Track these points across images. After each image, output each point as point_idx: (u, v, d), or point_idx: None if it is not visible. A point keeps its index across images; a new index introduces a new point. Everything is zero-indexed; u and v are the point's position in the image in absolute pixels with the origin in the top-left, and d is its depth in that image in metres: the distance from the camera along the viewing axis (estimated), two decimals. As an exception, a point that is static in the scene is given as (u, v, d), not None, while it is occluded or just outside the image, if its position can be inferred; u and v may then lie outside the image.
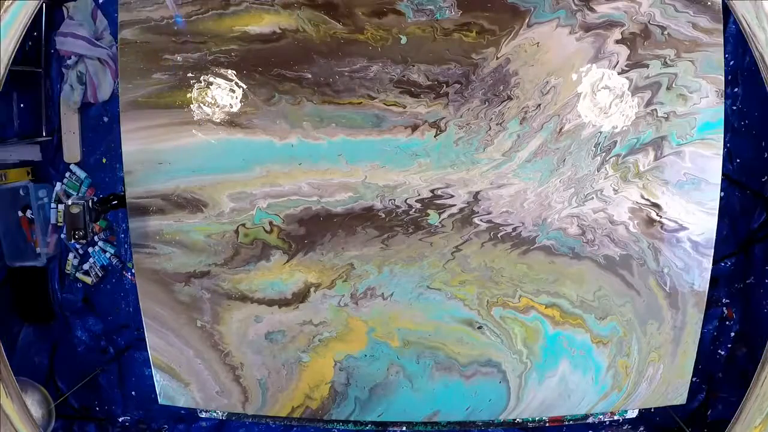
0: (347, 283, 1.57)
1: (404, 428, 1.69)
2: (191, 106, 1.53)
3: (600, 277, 1.56)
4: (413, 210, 1.54)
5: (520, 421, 1.67)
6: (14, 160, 2.52)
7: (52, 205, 2.56)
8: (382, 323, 1.59)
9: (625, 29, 1.48)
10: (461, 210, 1.54)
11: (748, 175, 2.25)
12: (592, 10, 1.47)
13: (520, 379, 1.61)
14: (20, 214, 2.56)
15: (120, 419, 2.65)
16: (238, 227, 1.56)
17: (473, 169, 1.52)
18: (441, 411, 1.64)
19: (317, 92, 1.50)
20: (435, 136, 1.51)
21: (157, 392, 1.67)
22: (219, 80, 1.52)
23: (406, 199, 1.54)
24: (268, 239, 1.56)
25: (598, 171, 1.52)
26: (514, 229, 1.54)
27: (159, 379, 1.66)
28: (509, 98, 1.50)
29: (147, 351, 1.64)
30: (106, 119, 2.54)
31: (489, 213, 1.54)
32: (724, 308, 2.35)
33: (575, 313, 1.58)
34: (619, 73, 1.49)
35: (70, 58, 2.42)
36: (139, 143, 1.54)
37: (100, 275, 2.59)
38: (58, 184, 2.58)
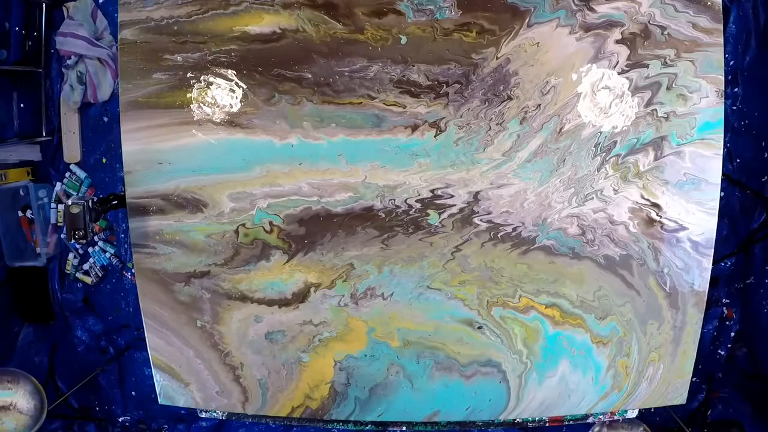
0: (347, 283, 1.57)
1: (404, 428, 1.69)
2: (191, 106, 1.53)
3: (600, 277, 1.56)
4: (413, 210, 1.54)
5: (520, 421, 1.67)
6: (14, 160, 2.52)
7: (52, 205, 2.56)
8: (382, 323, 1.59)
9: (625, 29, 1.48)
10: (461, 210, 1.54)
11: (748, 175, 2.25)
12: (592, 10, 1.47)
13: (520, 379, 1.61)
14: (20, 214, 2.56)
15: (120, 419, 2.65)
16: (238, 227, 1.56)
17: (473, 169, 1.52)
18: (441, 411, 1.64)
19: (317, 92, 1.50)
20: (435, 136, 1.51)
21: (157, 392, 1.67)
22: (219, 80, 1.52)
23: (406, 199, 1.54)
24: (268, 239, 1.56)
25: (598, 171, 1.52)
26: (514, 229, 1.54)
27: (159, 379, 1.66)
28: (509, 98, 1.50)
29: (147, 351, 1.64)
30: (106, 119, 2.54)
31: (489, 213, 1.54)
32: (724, 308, 2.35)
33: (575, 313, 1.58)
34: (619, 73, 1.49)
35: (70, 58, 2.42)
36: (139, 143, 1.54)
37: (100, 275, 2.59)
38: (58, 184, 2.58)
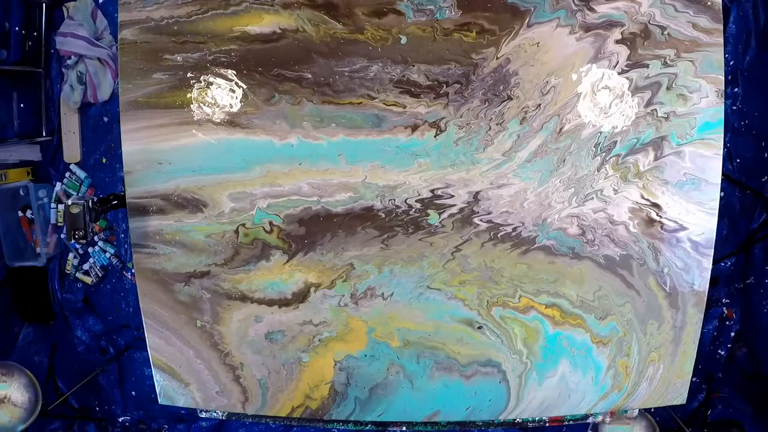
0: (347, 283, 1.57)
1: (404, 428, 1.69)
2: (191, 106, 1.53)
3: (600, 277, 1.56)
4: (413, 210, 1.54)
5: (520, 421, 1.67)
6: (14, 160, 2.53)
7: (52, 205, 2.56)
8: (382, 323, 1.59)
9: (625, 29, 1.48)
10: (461, 210, 1.54)
11: (748, 175, 2.25)
12: (592, 10, 1.47)
13: (520, 379, 1.61)
14: (20, 214, 2.57)
15: (120, 419, 2.66)
16: (238, 227, 1.56)
17: (473, 169, 1.52)
18: (441, 411, 1.64)
19: (317, 92, 1.50)
20: (435, 136, 1.51)
21: (157, 392, 1.67)
22: (219, 80, 1.52)
23: (406, 199, 1.54)
24: (268, 239, 1.56)
25: (598, 171, 1.52)
26: (514, 229, 1.54)
27: (159, 379, 1.66)
28: (509, 98, 1.50)
29: (147, 351, 1.64)
30: (106, 119, 2.54)
31: (489, 213, 1.54)
32: (724, 308, 2.35)
33: (575, 313, 1.58)
34: (619, 73, 1.49)
35: (70, 58, 2.42)
36: (139, 143, 1.54)
37: (100, 275, 2.59)
38: (58, 184, 2.59)
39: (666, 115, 1.50)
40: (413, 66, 1.49)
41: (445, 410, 1.64)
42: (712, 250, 1.55)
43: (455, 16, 1.47)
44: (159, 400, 1.68)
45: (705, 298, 1.58)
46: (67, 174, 2.57)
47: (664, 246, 1.55)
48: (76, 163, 2.56)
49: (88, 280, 2.59)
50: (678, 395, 1.65)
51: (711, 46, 1.48)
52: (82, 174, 2.55)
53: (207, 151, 1.53)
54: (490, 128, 1.51)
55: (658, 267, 1.56)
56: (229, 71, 1.51)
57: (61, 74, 2.49)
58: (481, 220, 1.54)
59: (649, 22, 1.47)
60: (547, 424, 1.69)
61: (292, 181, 1.53)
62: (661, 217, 1.54)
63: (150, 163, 1.54)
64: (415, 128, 1.51)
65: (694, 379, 2.23)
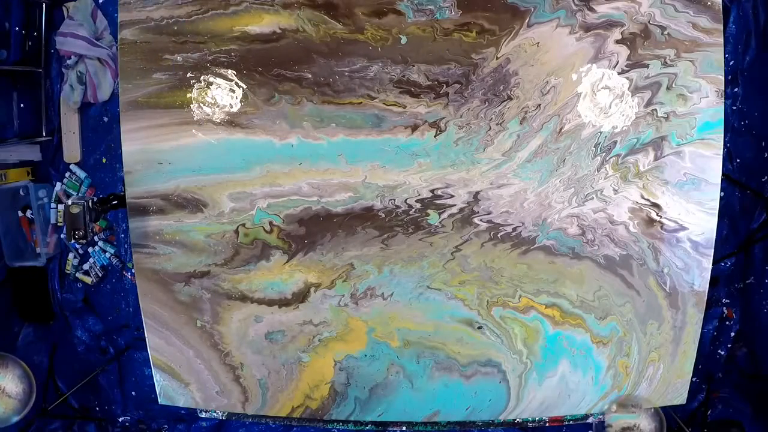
0: (347, 283, 1.57)
1: (404, 428, 1.69)
2: (191, 106, 1.53)
3: (600, 277, 1.56)
4: (413, 210, 1.54)
5: (520, 421, 1.67)
6: (14, 160, 2.53)
7: (52, 205, 2.56)
8: (382, 323, 1.59)
9: (625, 29, 1.48)
10: (461, 210, 1.54)
11: (748, 175, 2.25)
12: (592, 10, 1.47)
13: (520, 379, 1.61)
14: (20, 214, 2.56)
15: (120, 419, 2.65)
16: (238, 227, 1.56)
17: (473, 169, 1.52)
18: (441, 411, 1.64)
19: (317, 92, 1.50)
20: (435, 136, 1.51)
21: (157, 392, 1.67)
22: (219, 80, 1.52)
23: (406, 199, 1.54)
24: (268, 239, 1.56)
25: (598, 171, 1.52)
26: (514, 229, 1.54)
27: (159, 379, 1.66)
28: (509, 98, 1.50)
29: (147, 351, 1.64)
30: (106, 119, 2.54)
31: (489, 213, 1.54)
32: (724, 308, 2.35)
33: (575, 313, 1.58)
34: (619, 73, 1.49)
35: (70, 58, 2.42)
36: (139, 143, 1.54)
37: (100, 275, 2.59)
38: (58, 184, 2.58)
39: (666, 115, 1.50)
40: (413, 66, 1.49)
41: (445, 410, 1.64)
42: (712, 250, 1.55)
43: (455, 16, 1.47)
44: (159, 400, 1.68)
45: (705, 298, 1.58)
46: (67, 174, 2.57)
47: (664, 246, 1.55)
48: (76, 163, 2.56)
49: (88, 280, 2.59)
50: (678, 395, 1.65)
51: (711, 46, 1.48)
52: (82, 174, 2.55)
53: (207, 151, 1.53)
54: (490, 128, 1.51)
55: (658, 267, 1.56)
56: (229, 71, 1.51)
57: (61, 74, 2.49)
58: (481, 220, 1.54)
59: (649, 22, 1.47)
60: (547, 424, 1.69)
61: (292, 181, 1.53)
62: (661, 217, 1.54)
63: (150, 163, 1.54)
64: (415, 128, 1.51)
65: (694, 379, 2.23)
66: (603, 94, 1.50)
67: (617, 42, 1.48)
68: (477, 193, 1.53)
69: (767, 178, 2.23)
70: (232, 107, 1.52)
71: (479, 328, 1.59)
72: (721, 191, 1.57)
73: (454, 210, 1.54)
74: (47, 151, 2.60)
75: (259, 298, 1.59)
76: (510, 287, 1.56)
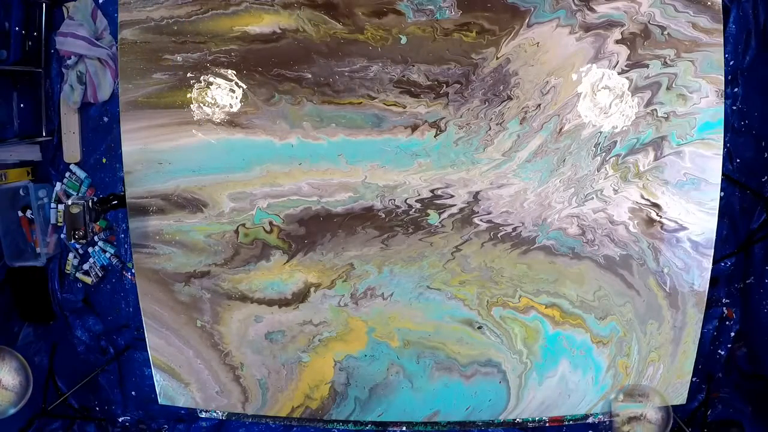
0: (347, 283, 1.57)
1: (404, 428, 1.69)
2: (191, 106, 1.53)
3: (600, 277, 1.56)
4: (413, 210, 1.54)
5: (520, 421, 1.67)
6: (14, 160, 2.53)
7: (52, 205, 2.56)
8: (382, 323, 1.59)
9: (625, 29, 1.48)
10: (461, 210, 1.54)
11: (748, 175, 2.25)
12: (592, 10, 1.47)
13: (520, 379, 1.61)
14: (20, 214, 2.56)
15: (120, 419, 2.65)
16: (238, 227, 1.56)
17: (473, 169, 1.52)
18: (441, 411, 1.64)
19: (317, 92, 1.50)
20: (435, 136, 1.51)
21: (157, 392, 1.67)
22: (219, 80, 1.52)
23: (406, 199, 1.54)
24: (268, 239, 1.56)
25: (598, 171, 1.52)
26: (514, 229, 1.54)
27: (159, 379, 1.66)
28: (509, 98, 1.50)
29: (147, 351, 1.64)
30: (106, 119, 2.54)
31: (489, 213, 1.54)
32: (724, 308, 2.35)
33: (575, 313, 1.58)
34: (619, 73, 1.49)
35: (70, 58, 2.42)
36: (139, 143, 1.54)
37: (100, 275, 2.59)
38: (58, 184, 2.58)
39: (666, 115, 1.50)
40: (413, 66, 1.49)
41: (445, 410, 1.64)
42: (712, 250, 1.55)
43: (455, 16, 1.47)
44: (159, 400, 1.68)
45: (705, 298, 1.58)
46: (67, 174, 2.57)
47: (664, 246, 1.55)
48: (76, 163, 2.56)
49: (88, 280, 2.59)
50: (678, 395, 1.65)
51: (711, 46, 1.48)
52: (82, 174, 2.55)
53: (207, 151, 1.53)
54: (490, 128, 1.51)
55: (658, 267, 1.56)
56: (229, 71, 1.51)
57: (61, 74, 2.49)
58: (481, 220, 1.54)
59: (649, 22, 1.47)
60: (547, 424, 1.69)
61: (292, 181, 1.53)
62: (661, 217, 1.54)
63: (150, 163, 1.54)
64: (415, 128, 1.51)
65: (694, 379, 2.23)
66: (603, 94, 1.50)
67: (617, 42, 1.48)
68: (477, 193, 1.53)
69: (767, 178, 2.23)
70: (232, 107, 1.52)
71: (479, 328, 1.58)
72: (721, 191, 1.57)
73: (454, 210, 1.54)
74: (47, 151, 2.60)
75: (259, 298, 1.59)
76: (510, 287, 1.56)
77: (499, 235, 1.54)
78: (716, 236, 1.55)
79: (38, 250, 2.57)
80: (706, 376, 2.35)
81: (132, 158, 1.55)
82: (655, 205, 1.53)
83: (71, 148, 2.56)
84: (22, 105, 2.51)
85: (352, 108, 1.50)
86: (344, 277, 1.57)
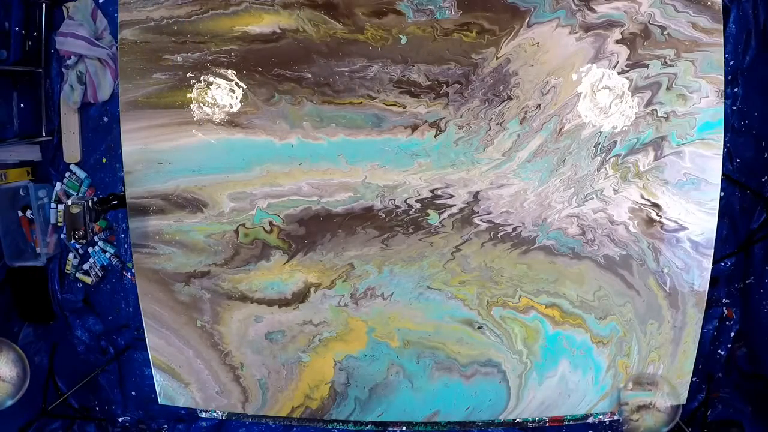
0: (347, 283, 1.57)
1: (404, 428, 1.69)
2: (191, 106, 1.53)
3: (600, 277, 1.56)
4: (413, 210, 1.54)
5: (520, 421, 1.67)
6: (14, 160, 2.53)
7: (52, 205, 2.56)
8: (382, 323, 1.59)
9: (625, 29, 1.48)
10: (461, 210, 1.54)
11: (748, 175, 2.25)
12: (592, 10, 1.47)
13: (520, 379, 1.61)
14: (20, 214, 2.56)
15: (120, 419, 2.66)
16: (238, 227, 1.56)
17: (473, 169, 1.52)
18: (441, 411, 1.64)
19: (317, 92, 1.50)
20: (435, 136, 1.51)
21: (157, 392, 1.67)
22: (219, 80, 1.52)
23: (406, 199, 1.54)
24: (268, 239, 1.56)
25: (598, 171, 1.52)
26: (514, 229, 1.54)
27: (159, 379, 1.66)
28: (509, 98, 1.50)
29: (147, 351, 1.64)
30: (106, 119, 2.54)
31: (489, 213, 1.54)
32: (724, 308, 2.35)
33: (575, 313, 1.58)
34: (619, 73, 1.49)
35: (70, 58, 2.42)
36: (139, 143, 1.54)
37: (100, 275, 2.59)
38: (58, 184, 2.58)
39: (666, 115, 1.50)
40: (413, 66, 1.49)
41: (445, 410, 1.64)
42: (712, 250, 1.55)
43: (455, 16, 1.47)
44: (159, 400, 1.68)
45: (705, 298, 1.58)
46: (67, 174, 2.57)
47: (664, 246, 1.55)
48: (76, 163, 2.56)
49: (88, 280, 2.59)
50: (678, 395, 1.65)
51: (711, 46, 1.48)
52: (82, 174, 2.55)
53: (207, 151, 1.53)
54: (490, 128, 1.51)
55: (658, 267, 1.56)
56: (229, 71, 1.51)
57: (61, 74, 2.49)
58: (481, 220, 1.54)
59: (649, 22, 1.47)
60: (547, 424, 1.69)
61: (292, 181, 1.53)
62: (661, 217, 1.54)
63: (150, 163, 1.54)
64: (415, 128, 1.51)
65: (694, 379, 2.23)
66: (603, 94, 1.50)
67: (617, 42, 1.48)
68: (477, 193, 1.53)
69: (767, 178, 2.23)
70: (232, 107, 1.52)
71: (479, 328, 1.59)
72: (721, 191, 1.57)
73: (454, 210, 1.54)
74: (47, 151, 2.60)
75: (259, 298, 1.59)
76: (510, 287, 1.56)
77: (499, 235, 1.54)
78: (716, 236, 1.55)
79: (38, 250, 2.57)
80: (706, 376, 2.35)
81: (132, 158, 1.55)
82: (655, 205, 1.53)
83: (71, 148, 2.56)
84: (22, 105, 2.51)
85: (352, 108, 1.50)
86: (344, 277, 1.57)
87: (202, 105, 1.53)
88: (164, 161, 1.54)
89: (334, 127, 1.51)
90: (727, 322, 2.35)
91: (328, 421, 1.66)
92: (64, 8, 2.44)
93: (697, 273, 1.56)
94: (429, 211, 1.54)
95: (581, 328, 1.58)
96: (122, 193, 1.61)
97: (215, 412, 1.69)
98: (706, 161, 1.52)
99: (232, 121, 1.52)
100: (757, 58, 2.19)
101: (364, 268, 1.57)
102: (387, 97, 1.50)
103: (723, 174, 1.64)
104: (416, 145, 1.52)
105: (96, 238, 2.58)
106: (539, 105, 1.50)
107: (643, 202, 1.53)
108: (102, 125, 2.55)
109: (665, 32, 1.48)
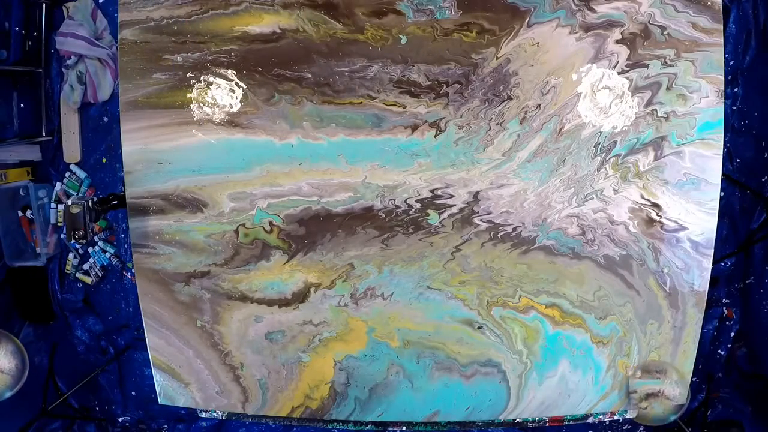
0: (347, 283, 1.57)
1: (404, 428, 1.69)
2: (191, 106, 1.53)
3: (600, 277, 1.56)
4: (413, 210, 1.54)
5: (520, 421, 1.67)
6: (14, 160, 2.53)
7: (52, 205, 2.56)
8: (382, 323, 1.59)
9: (625, 29, 1.48)
10: (461, 210, 1.54)
11: (748, 175, 2.25)
12: (592, 10, 1.47)
13: (520, 379, 1.61)
14: (20, 214, 2.57)
15: (120, 419, 2.66)
16: (238, 227, 1.56)
17: (473, 169, 1.52)
18: (441, 411, 1.64)
19: (317, 92, 1.50)
20: (435, 136, 1.51)
21: (157, 392, 1.67)
22: (219, 80, 1.52)
23: (406, 199, 1.54)
24: (268, 239, 1.56)
25: (598, 171, 1.52)
26: (514, 229, 1.54)
27: (159, 379, 1.66)
28: (509, 98, 1.50)
29: (147, 351, 1.64)
30: (106, 119, 2.54)
31: (489, 213, 1.54)
32: (724, 308, 2.35)
33: (575, 313, 1.58)
34: (619, 73, 1.49)
35: (70, 58, 2.42)
36: (139, 143, 1.54)
37: (100, 275, 2.59)
38: (58, 184, 2.59)
39: (666, 115, 1.50)
40: (413, 66, 1.49)
41: (445, 410, 1.64)
42: (712, 250, 1.55)
43: (455, 16, 1.47)
44: (159, 400, 1.68)
45: (705, 298, 1.58)
46: (67, 174, 2.57)
47: (664, 246, 1.55)
48: (76, 163, 2.56)
49: (88, 280, 2.59)
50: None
51: (711, 46, 1.48)
52: (82, 174, 2.55)
53: (207, 151, 1.53)
54: (490, 128, 1.51)
55: (658, 267, 1.56)
56: (229, 71, 1.51)
57: (61, 74, 2.49)
58: (481, 220, 1.54)
59: (649, 22, 1.47)
60: (547, 424, 1.69)
61: (292, 181, 1.53)
62: (661, 217, 1.54)
63: (150, 163, 1.54)
64: (415, 128, 1.51)
65: (694, 379, 2.23)
66: (603, 94, 1.50)
67: (617, 42, 1.48)
68: (477, 193, 1.53)
69: (767, 178, 2.23)
70: (232, 107, 1.52)
71: (479, 328, 1.59)
72: (721, 191, 1.57)
73: (454, 210, 1.54)
74: (47, 151, 2.60)
75: (259, 298, 1.59)
76: (510, 287, 1.56)
77: (499, 235, 1.54)
78: (716, 236, 1.55)
79: (38, 250, 2.57)
80: (706, 376, 2.35)
81: (132, 158, 1.55)
82: (655, 205, 1.53)
83: (71, 148, 2.56)
84: (22, 105, 2.52)
85: (352, 108, 1.50)
86: (344, 277, 1.57)
87: (202, 105, 1.53)
88: (164, 161, 1.54)
89: (334, 127, 1.51)
90: (727, 322, 2.35)
91: (328, 421, 1.66)
92: (64, 8, 2.44)
93: (697, 273, 1.56)
94: (429, 211, 1.54)
95: (581, 328, 1.58)
96: (122, 193, 1.61)
97: (215, 412, 1.69)
98: (706, 161, 1.52)
99: (232, 121, 1.52)
100: (757, 58, 2.19)
101: (364, 268, 1.57)
102: (387, 97, 1.50)
103: (723, 174, 1.64)
104: (416, 145, 1.52)
105: (96, 238, 2.58)
106: (539, 105, 1.50)
107: (643, 202, 1.53)
108: (102, 125, 2.55)
109: (665, 32, 1.48)
